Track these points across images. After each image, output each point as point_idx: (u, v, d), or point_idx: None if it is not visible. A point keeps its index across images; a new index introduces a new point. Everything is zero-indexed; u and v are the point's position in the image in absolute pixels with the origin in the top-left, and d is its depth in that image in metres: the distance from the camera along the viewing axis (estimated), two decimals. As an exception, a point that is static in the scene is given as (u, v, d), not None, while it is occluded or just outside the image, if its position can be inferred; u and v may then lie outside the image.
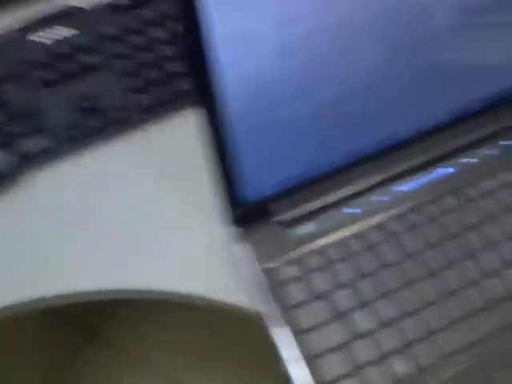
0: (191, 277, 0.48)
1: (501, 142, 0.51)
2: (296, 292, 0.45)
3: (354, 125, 0.46)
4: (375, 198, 0.49)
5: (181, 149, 0.53)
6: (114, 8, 0.59)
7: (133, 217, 0.51)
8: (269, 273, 0.46)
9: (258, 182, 0.46)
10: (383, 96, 0.45)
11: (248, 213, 0.47)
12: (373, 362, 0.42)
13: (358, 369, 0.42)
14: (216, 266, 0.48)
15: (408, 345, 0.43)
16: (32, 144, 0.53)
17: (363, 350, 0.43)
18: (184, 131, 0.54)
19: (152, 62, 0.56)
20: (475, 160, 0.51)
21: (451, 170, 0.50)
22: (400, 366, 0.42)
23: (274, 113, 0.42)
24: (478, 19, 0.44)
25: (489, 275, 0.45)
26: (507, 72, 0.51)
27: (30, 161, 0.53)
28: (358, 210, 0.48)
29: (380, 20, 0.41)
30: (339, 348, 0.43)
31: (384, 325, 0.43)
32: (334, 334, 0.43)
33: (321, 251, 0.46)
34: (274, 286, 0.45)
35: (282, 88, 0.41)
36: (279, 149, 0.45)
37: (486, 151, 0.51)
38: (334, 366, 0.42)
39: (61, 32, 0.58)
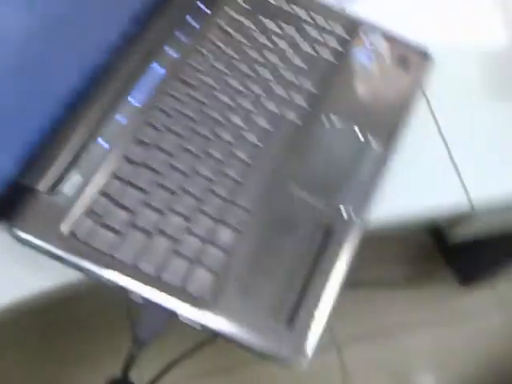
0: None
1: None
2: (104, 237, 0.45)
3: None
4: (117, 118, 0.50)
5: None
6: None
7: None
8: (66, 241, 0.45)
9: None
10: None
11: (9, 200, 0.45)
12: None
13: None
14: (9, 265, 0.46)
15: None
16: None
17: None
18: None
19: None
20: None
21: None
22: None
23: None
24: None
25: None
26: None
27: None
28: (108, 139, 0.49)
29: None
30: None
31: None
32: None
33: (95, 199, 0.47)
34: (79, 248, 0.45)
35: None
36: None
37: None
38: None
39: None
